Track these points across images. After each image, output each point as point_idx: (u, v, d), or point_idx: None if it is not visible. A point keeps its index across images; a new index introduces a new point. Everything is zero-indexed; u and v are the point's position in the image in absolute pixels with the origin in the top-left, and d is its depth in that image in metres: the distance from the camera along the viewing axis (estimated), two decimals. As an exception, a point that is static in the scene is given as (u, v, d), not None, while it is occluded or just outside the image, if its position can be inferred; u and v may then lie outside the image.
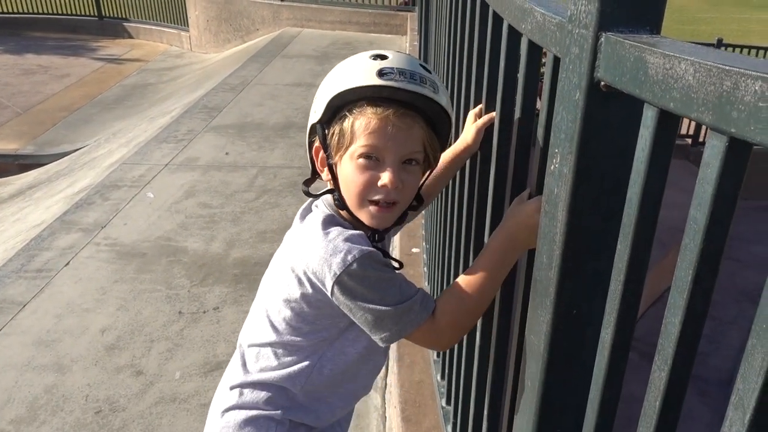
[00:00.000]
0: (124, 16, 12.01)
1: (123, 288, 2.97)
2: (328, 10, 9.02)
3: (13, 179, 6.12)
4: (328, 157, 1.04)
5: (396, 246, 2.97)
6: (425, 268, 2.55)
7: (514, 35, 1.05)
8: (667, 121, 0.60)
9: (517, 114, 1.03)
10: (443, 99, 1.02)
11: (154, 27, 11.63)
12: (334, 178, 1.05)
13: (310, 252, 0.99)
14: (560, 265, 0.80)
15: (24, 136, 6.96)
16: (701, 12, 22.12)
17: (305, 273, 1.00)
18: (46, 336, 2.64)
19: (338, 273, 0.95)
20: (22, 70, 9.44)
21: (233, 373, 1.16)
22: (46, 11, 12.01)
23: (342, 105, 1.00)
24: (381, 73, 0.97)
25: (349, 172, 1.01)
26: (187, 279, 3.04)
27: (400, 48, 7.80)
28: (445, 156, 1.32)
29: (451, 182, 1.66)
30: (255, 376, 1.12)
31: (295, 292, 1.03)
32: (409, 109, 0.99)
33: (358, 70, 0.99)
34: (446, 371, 1.80)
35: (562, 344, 0.85)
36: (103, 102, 8.29)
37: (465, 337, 1.48)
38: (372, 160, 0.99)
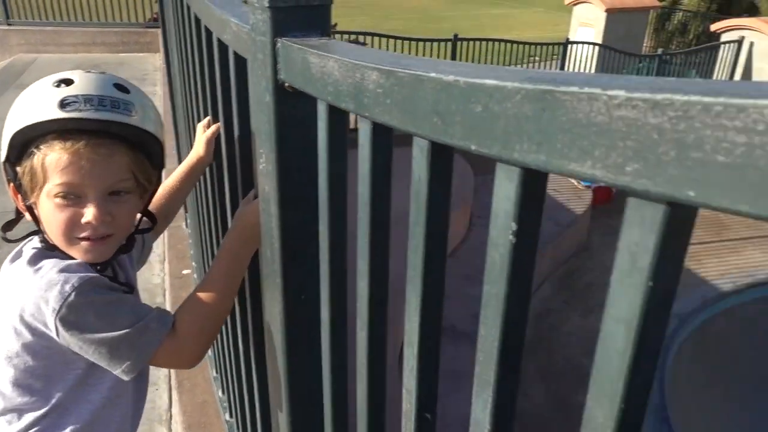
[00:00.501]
0: None
1: None
2: (67, 31, 8.30)
3: None
4: (24, 197, 0.95)
5: (166, 271, 2.86)
6: (198, 288, 2.50)
7: (223, 47, 1.09)
8: (336, 112, 0.68)
9: (235, 121, 1.08)
10: (143, 120, 0.95)
11: None
12: (35, 218, 0.96)
13: (22, 294, 0.90)
14: (281, 255, 0.85)
15: None
16: (442, 11, 24.59)
17: (21, 319, 0.90)
18: None
19: (57, 308, 0.87)
20: None
21: None
22: None
23: (27, 141, 0.91)
24: (63, 104, 0.89)
25: (49, 212, 0.92)
26: None
27: (154, 66, 7.48)
28: (181, 169, 1.32)
29: (199, 195, 1.66)
30: None
31: (14, 346, 0.93)
32: (105, 137, 0.92)
33: (38, 102, 0.91)
34: (224, 384, 1.79)
35: (296, 330, 0.91)
36: None
37: (232, 346, 1.49)
38: (71, 197, 0.91)
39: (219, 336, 1.67)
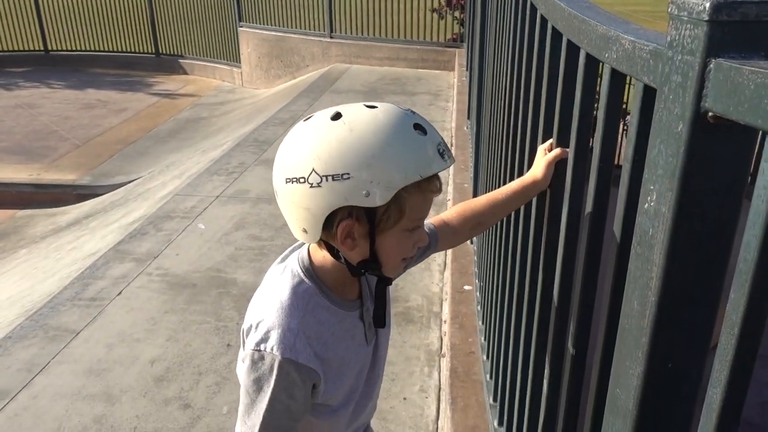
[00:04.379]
0: (179, 53, 12.44)
1: (173, 319, 2.97)
2: (376, 46, 9.15)
3: (71, 208, 6.31)
4: (373, 234, 0.98)
5: (447, 282, 2.90)
6: (478, 307, 2.47)
7: (593, 65, 1.00)
8: (796, 155, 0.53)
9: (597, 148, 0.97)
10: None
11: (207, 63, 12.00)
12: (372, 251, 0.99)
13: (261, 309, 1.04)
14: (656, 313, 0.72)
15: (81, 168, 7.19)
16: None
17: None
18: (96, 365, 2.65)
19: (255, 347, 1.00)
20: (83, 104, 9.84)
21: None
22: (106, 49, 12.55)
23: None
24: (441, 154, 0.95)
25: (396, 242, 1.00)
26: (236, 311, 3.02)
27: (448, 84, 7.83)
28: (511, 186, 1.27)
29: (513, 218, 1.60)
30: None
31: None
32: None
33: (421, 153, 0.94)
34: (505, 419, 1.71)
35: (654, 400, 0.77)
36: (158, 135, 8.54)
37: (530, 383, 1.40)
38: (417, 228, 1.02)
39: (511, 368, 1.59)
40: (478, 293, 2.55)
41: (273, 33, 10.23)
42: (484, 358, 2.14)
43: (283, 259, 1.11)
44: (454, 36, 8.91)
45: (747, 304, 0.60)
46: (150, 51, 12.50)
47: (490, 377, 1.99)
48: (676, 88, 0.66)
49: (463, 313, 2.54)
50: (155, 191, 5.47)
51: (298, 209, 0.97)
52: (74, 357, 2.71)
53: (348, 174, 0.92)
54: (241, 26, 10.77)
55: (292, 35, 9.95)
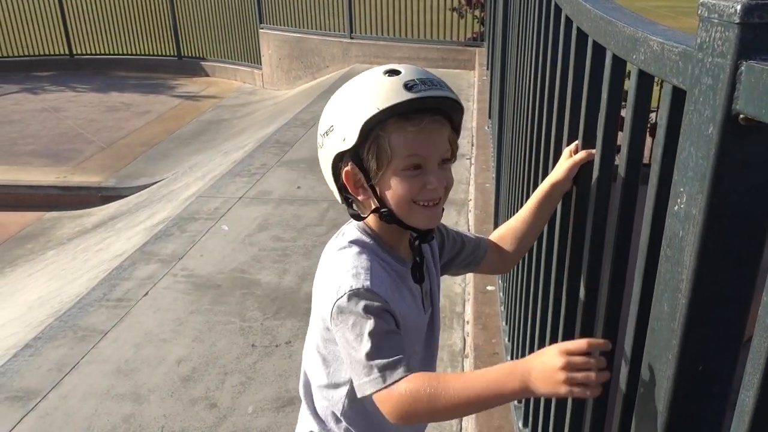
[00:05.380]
0: (201, 56, 12.56)
1: (198, 319, 3.01)
2: (396, 46, 9.15)
3: (96, 210, 6.41)
4: (366, 179, 1.05)
5: (469, 281, 2.90)
6: (502, 307, 2.46)
7: (619, 66, 1.00)
8: (830, 158, 0.53)
9: (624, 149, 0.97)
10: (455, 94, 1.06)
11: (228, 65, 12.10)
12: (377, 196, 1.05)
13: (331, 276, 1.07)
14: (686, 314, 0.72)
15: (107, 170, 7.30)
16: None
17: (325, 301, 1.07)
18: (125, 365, 2.70)
19: (338, 296, 1.01)
20: (107, 107, 9.98)
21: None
22: (129, 52, 12.72)
23: (373, 126, 1.00)
24: (408, 87, 0.99)
25: (396, 185, 1.03)
26: (260, 312, 3.05)
27: (468, 83, 7.80)
28: (535, 194, 1.27)
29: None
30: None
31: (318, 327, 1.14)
32: (435, 113, 1.03)
33: (382, 90, 1.00)
34: (530, 419, 1.70)
35: (685, 402, 0.77)
36: (181, 137, 8.64)
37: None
38: (415, 169, 1.03)
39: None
40: (501, 294, 2.55)
41: (293, 34, 10.28)
42: (508, 359, 2.14)
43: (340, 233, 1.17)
44: (474, 35, 8.87)
45: (780, 307, 0.59)
46: (172, 53, 12.63)
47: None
48: (706, 90, 0.66)
49: (486, 314, 2.54)
50: (179, 193, 5.54)
51: (323, 171, 1.11)
52: (103, 357, 2.76)
53: (332, 126, 1.04)
54: (262, 28, 10.84)
55: (312, 36, 10.00)
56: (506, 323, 2.31)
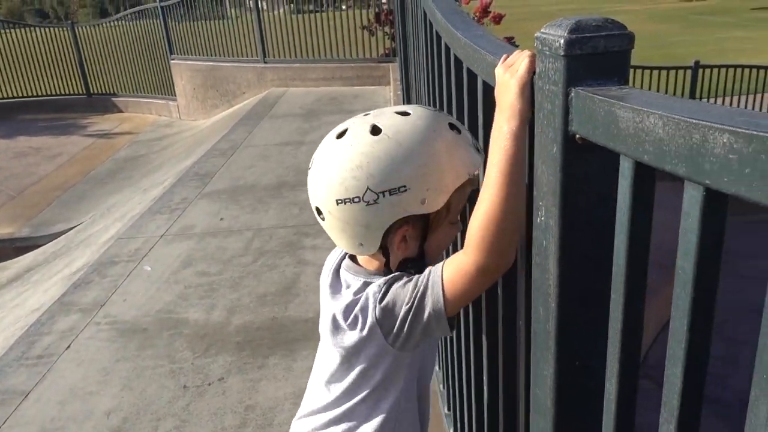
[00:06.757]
0: (111, 92, 12.21)
1: (126, 366, 2.92)
2: (311, 68, 9.20)
3: (11, 263, 6.10)
4: (426, 235, 1.05)
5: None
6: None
7: (490, 92, 1.07)
8: (644, 171, 0.61)
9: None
10: None
11: (142, 99, 11.82)
12: (421, 249, 1.06)
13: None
14: (557, 316, 0.79)
15: (19, 219, 6.98)
16: (675, 36, 22.60)
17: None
18: (50, 425, 2.59)
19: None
20: (15, 153, 9.55)
21: None
22: (34, 94, 12.22)
23: None
24: (477, 149, 1.04)
25: (443, 237, 1.07)
26: (190, 351, 3.00)
27: (384, 99, 7.93)
28: None
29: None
30: None
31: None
32: None
33: (462, 152, 1.01)
34: (458, 426, 1.76)
35: (568, 397, 0.84)
36: (96, 177, 8.36)
37: (474, 389, 1.46)
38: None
39: (458, 377, 1.65)
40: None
41: (206, 63, 10.16)
42: (436, 368, 2.20)
43: (333, 287, 1.12)
44: (387, 51, 9.04)
45: (624, 303, 0.67)
46: (81, 92, 12.24)
47: (443, 387, 2.04)
48: (547, 114, 0.74)
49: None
50: (97, 236, 5.36)
51: (355, 227, 1.00)
52: (26, 419, 2.64)
53: (405, 186, 0.97)
54: (173, 59, 10.67)
55: (226, 64, 9.92)
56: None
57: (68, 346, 3.13)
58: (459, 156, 1.00)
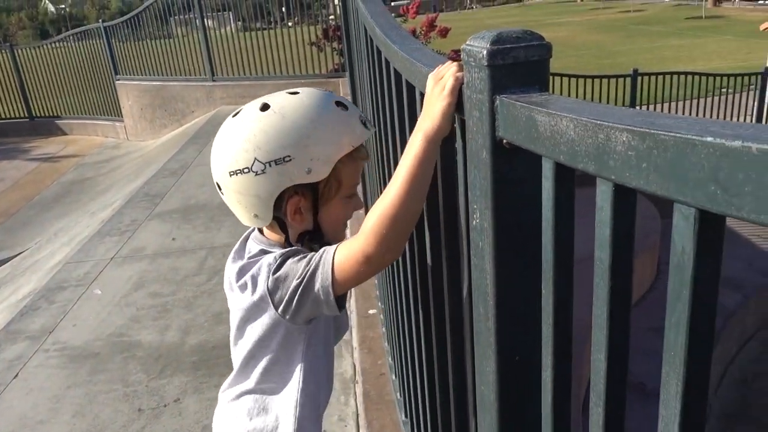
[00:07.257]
0: (55, 114, 11.90)
1: (77, 393, 2.85)
2: (260, 84, 9.15)
3: (-48, 294, 5.85)
4: (314, 206, 1.10)
5: (353, 309, 2.97)
6: (383, 329, 2.55)
7: (427, 100, 1.11)
8: (564, 170, 0.65)
9: (440, 176, 1.08)
10: None
11: (87, 121, 11.55)
12: (316, 221, 1.12)
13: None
14: (495, 314, 0.83)
15: (-40, 248, 6.70)
16: (617, 46, 23.44)
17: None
18: (-2, 457, 2.50)
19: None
20: (-47, 180, 9.19)
21: None
22: (-27, 118, 11.82)
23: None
24: (365, 124, 1.09)
25: (339, 211, 1.13)
26: (144, 373, 2.94)
27: (335, 113, 7.95)
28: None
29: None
30: None
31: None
32: None
33: (348, 125, 1.07)
34: (411, 413, 1.79)
35: (510, 391, 0.87)
36: (42, 202, 8.11)
37: (428, 391, 1.48)
38: (354, 194, 1.14)
39: (413, 382, 1.68)
40: (382, 316, 2.64)
41: (153, 83, 10.02)
42: (393, 377, 2.22)
43: (238, 253, 1.20)
44: (336, 66, 9.09)
45: (554, 296, 0.71)
46: (22, 115, 11.89)
47: (400, 395, 2.07)
48: (477, 121, 0.78)
49: (370, 338, 2.62)
50: (44, 262, 5.20)
51: (247, 197, 1.08)
52: (-28, 453, 2.54)
53: (289, 156, 1.04)
54: (119, 79, 10.48)
55: (173, 83, 9.79)
56: (388, 343, 2.40)
57: (16, 375, 3.03)
58: (342, 130, 1.07)
